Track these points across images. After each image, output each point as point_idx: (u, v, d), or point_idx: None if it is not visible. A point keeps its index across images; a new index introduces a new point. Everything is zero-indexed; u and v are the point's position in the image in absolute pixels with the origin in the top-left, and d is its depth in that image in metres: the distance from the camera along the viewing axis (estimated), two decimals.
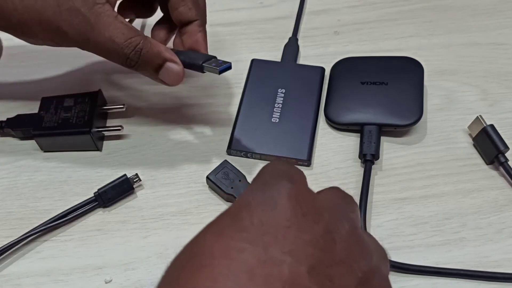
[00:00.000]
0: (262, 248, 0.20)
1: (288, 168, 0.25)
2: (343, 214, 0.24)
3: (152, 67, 0.37)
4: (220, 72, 0.37)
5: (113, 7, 0.37)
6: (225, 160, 0.40)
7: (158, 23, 0.42)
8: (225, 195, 0.39)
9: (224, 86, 0.47)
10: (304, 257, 0.21)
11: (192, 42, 0.39)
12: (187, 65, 0.38)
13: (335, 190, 0.26)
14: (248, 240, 0.21)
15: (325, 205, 0.24)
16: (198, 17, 0.39)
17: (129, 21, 0.44)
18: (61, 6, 0.35)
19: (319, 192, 0.25)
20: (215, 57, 0.38)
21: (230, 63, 0.37)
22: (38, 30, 0.36)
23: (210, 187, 0.41)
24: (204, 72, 0.38)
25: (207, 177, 0.40)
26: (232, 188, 0.39)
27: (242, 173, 0.40)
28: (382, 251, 0.25)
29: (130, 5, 0.42)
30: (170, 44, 0.42)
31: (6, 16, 0.36)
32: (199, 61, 0.37)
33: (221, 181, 0.39)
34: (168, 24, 0.41)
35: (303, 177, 0.25)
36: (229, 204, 0.40)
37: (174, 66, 0.37)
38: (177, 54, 0.38)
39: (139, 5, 0.42)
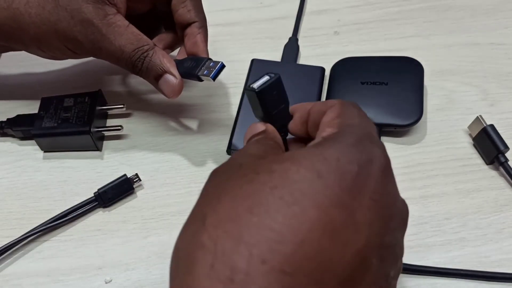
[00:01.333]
0: (351, 210, 0.21)
1: (374, 130, 0.26)
2: (405, 204, 0.26)
3: (153, 76, 0.38)
4: (214, 78, 0.37)
5: (124, 14, 0.38)
6: (279, 76, 0.31)
7: (163, 33, 0.43)
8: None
9: (224, 86, 0.47)
10: (377, 234, 0.22)
11: (191, 43, 0.40)
12: (186, 75, 0.38)
13: None
14: (339, 197, 0.21)
15: (396, 189, 0.26)
16: (198, 18, 0.40)
17: None
18: (74, 17, 0.36)
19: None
20: (209, 59, 0.38)
21: (221, 62, 0.37)
22: (56, 41, 0.38)
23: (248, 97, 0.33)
24: (202, 81, 0.38)
25: (255, 92, 0.30)
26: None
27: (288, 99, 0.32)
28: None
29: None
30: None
31: (25, 29, 0.38)
32: (194, 70, 0.37)
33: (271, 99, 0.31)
34: (172, 34, 0.42)
35: (384, 146, 0.26)
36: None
37: (172, 79, 0.38)
38: (179, 65, 0.38)
39: (144, 27, 0.42)
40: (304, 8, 0.52)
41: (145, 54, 0.37)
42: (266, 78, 0.30)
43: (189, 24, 0.40)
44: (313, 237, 0.20)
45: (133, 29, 0.37)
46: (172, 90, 0.38)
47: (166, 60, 0.38)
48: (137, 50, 0.37)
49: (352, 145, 0.23)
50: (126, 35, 0.37)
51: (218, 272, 0.20)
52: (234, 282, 0.19)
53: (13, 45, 0.40)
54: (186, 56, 0.41)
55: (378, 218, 0.22)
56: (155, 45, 0.38)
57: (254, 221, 0.20)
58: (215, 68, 0.37)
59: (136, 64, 0.37)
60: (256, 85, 0.30)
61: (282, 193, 0.21)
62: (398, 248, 0.25)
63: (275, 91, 0.30)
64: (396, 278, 0.25)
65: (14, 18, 0.37)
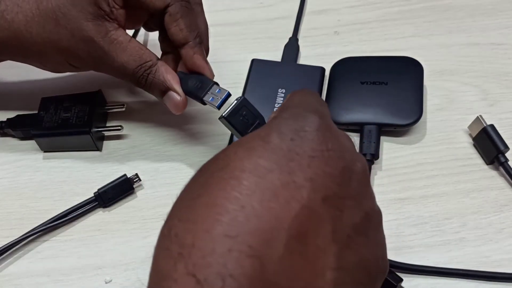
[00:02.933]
0: (288, 172, 0.23)
1: (316, 102, 0.28)
2: (359, 157, 0.26)
3: (158, 91, 0.38)
4: (220, 107, 0.37)
5: (124, 27, 0.38)
6: (244, 98, 0.36)
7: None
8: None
9: (224, 86, 0.47)
10: (322, 186, 0.23)
11: (190, 65, 0.38)
12: (191, 95, 0.38)
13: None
14: (276, 162, 0.23)
15: (347, 144, 0.26)
16: (191, 37, 0.37)
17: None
18: (75, 36, 0.36)
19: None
20: (215, 84, 0.38)
21: (228, 92, 0.37)
22: (58, 58, 0.38)
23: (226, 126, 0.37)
24: (206, 105, 0.38)
25: (225, 117, 0.35)
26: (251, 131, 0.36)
27: (262, 115, 0.36)
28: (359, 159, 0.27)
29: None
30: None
31: (27, 47, 0.38)
32: (199, 93, 0.37)
33: (238, 120, 0.35)
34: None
35: (328, 113, 0.28)
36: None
37: (175, 97, 0.38)
38: (183, 80, 0.38)
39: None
40: (304, 8, 0.52)
41: (148, 71, 0.37)
42: (233, 103, 0.35)
43: (183, 44, 0.38)
44: (253, 201, 0.21)
45: (135, 43, 0.37)
46: (176, 107, 0.38)
47: (170, 77, 0.37)
48: (140, 67, 0.37)
49: (285, 118, 0.25)
50: (129, 51, 0.37)
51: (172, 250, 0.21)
52: (183, 255, 0.21)
53: (15, 60, 0.41)
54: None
55: (320, 172, 0.23)
56: (158, 59, 0.38)
57: (201, 201, 0.22)
58: (221, 98, 0.37)
59: (140, 81, 0.38)
60: (224, 112, 0.35)
61: (223, 173, 0.23)
62: (362, 197, 0.25)
63: (244, 111, 0.35)
64: (369, 227, 0.25)
65: (16, 38, 0.37)
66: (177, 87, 0.38)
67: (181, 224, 0.22)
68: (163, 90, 0.38)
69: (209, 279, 0.20)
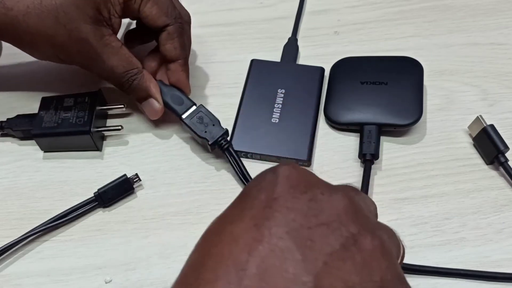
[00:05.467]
0: (253, 223, 0.22)
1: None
2: (343, 191, 0.24)
3: (138, 97, 0.42)
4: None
5: (117, 33, 0.41)
6: (201, 105, 0.42)
7: (153, 51, 0.44)
8: (199, 139, 0.41)
9: (223, 86, 0.47)
10: (284, 221, 0.22)
11: (175, 80, 0.42)
12: (169, 108, 0.42)
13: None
14: (243, 217, 0.23)
15: (321, 181, 0.25)
16: (182, 57, 0.42)
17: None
18: (72, 36, 0.38)
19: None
20: (194, 104, 0.42)
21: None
22: (49, 51, 0.40)
23: (184, 129, 0.43)
24: (182, 122, 0.41)
25: (182, 120, 0.41)
26: (205, 132, 0.41)
27: (216, 118, 0.41)
28: (389, 230, 0.26)
29: (135, 35, 0.46)
30: None
31: (21, 36, 0.39)
32: (179, 111, 0.42)
33: (196, 125, 0.41)
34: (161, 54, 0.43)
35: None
36: (201, 155, 0.42)
37: (155, 104, 0.42)
38: (164, 91, 0.42)
39: (143, 34, 0.45)
40: (304, 8, 0.52)
41: (134, 77, 0.40)
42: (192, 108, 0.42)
43: (173, 60, 0.42)
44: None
45: (125, 50, 0.40)
46: (154, 113, 0.42)
47: (152, 86, 0.41)
48: (126, 72, 0.40)
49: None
50: (119, 56, 0.39)
51: None
52: None
53: (5, 41, 0.41)
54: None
55: (291, 233, 0.22)
56: (143, 68, 0.41)
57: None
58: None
59: (124, 84, 0.41)
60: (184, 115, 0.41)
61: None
62: (351, 243, 0.22)
63: (198, 118, 0.41)
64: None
65: (11, 25, 0.38)
66: (158, 96, 0.41)
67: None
68: (144, 96, 0.41)
69: None
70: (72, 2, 0.37)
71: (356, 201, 0.25)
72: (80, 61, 0.40)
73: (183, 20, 0.42)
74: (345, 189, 0.25)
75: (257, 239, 0.22)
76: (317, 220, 0.23)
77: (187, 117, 0.41)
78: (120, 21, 0.41)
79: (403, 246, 0.26)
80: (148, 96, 0.41)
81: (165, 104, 0.42)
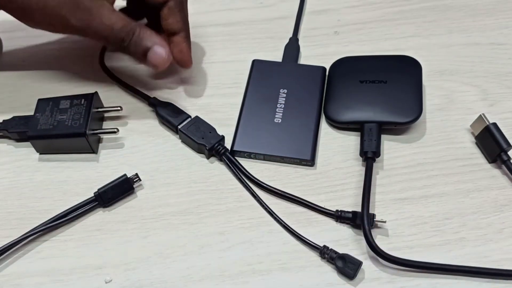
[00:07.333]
0: None
1: None
2: None
3: (142, 49, 0.41)
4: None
5: (112, 4, 0.41)
6: (196, 116, 0.43)
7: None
8: (196, 145, 0.42)
9: (225, 87, 0.47)
10: None
11: (177, 50, 0.43)
12: (166, 121, 0.43)
13: None
14: None
15: None
16: (184, 30, 0.43)
17: None
18: (72, 3, 0.38)
19: None
20: (188, 117, 0.43)
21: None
22: (40, 16, 0.39)
23: (181, 139, 0.43)
24: (179, 132, 0.43)
25: (179, 129, 0.42)
26: (203, 138, 0.41)
27: (212, 126, 0.42)
28: None
29: (126, 13, 0.44)
30: None
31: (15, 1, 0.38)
32: (175, 122, 0.43)
33: (193, 132, 0.42)
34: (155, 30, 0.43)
35: None
36: (201, 155, 0.43)
37: (162, 50, 0.41)
38: (159, 106, 0.44)
39: (134, 12, 0.45)
40: (304, 8, 0.52)
41: (134, 29, 0.40)
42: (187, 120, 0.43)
43: (175, 33, 0.43)
44: None
45: (120, 13, 0.41)
46: (162, 61, 0.41)
47: (154, 34, 0.41)
48: (126, 26, 0.40)
49: None
50: (115, 15, 0.40)
51: None
52: None
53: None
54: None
55: None
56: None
57: None
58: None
59: (125, 39, 0.40)
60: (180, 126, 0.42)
61: None
62: None
63: (195, 126, 0.42)
64: None
65: None
66: (163, 42, 0.41)
67: None
68: (149, 46, 0.41)
69: None
70: None
71: None
72: (77, 25, 0.39)
73: None
74: None
75: None
76: None
77: (183, 126, 0.42)
78: None
79: None
80: (153, 43, 0.41)
81: (161, 117, 0.43)
